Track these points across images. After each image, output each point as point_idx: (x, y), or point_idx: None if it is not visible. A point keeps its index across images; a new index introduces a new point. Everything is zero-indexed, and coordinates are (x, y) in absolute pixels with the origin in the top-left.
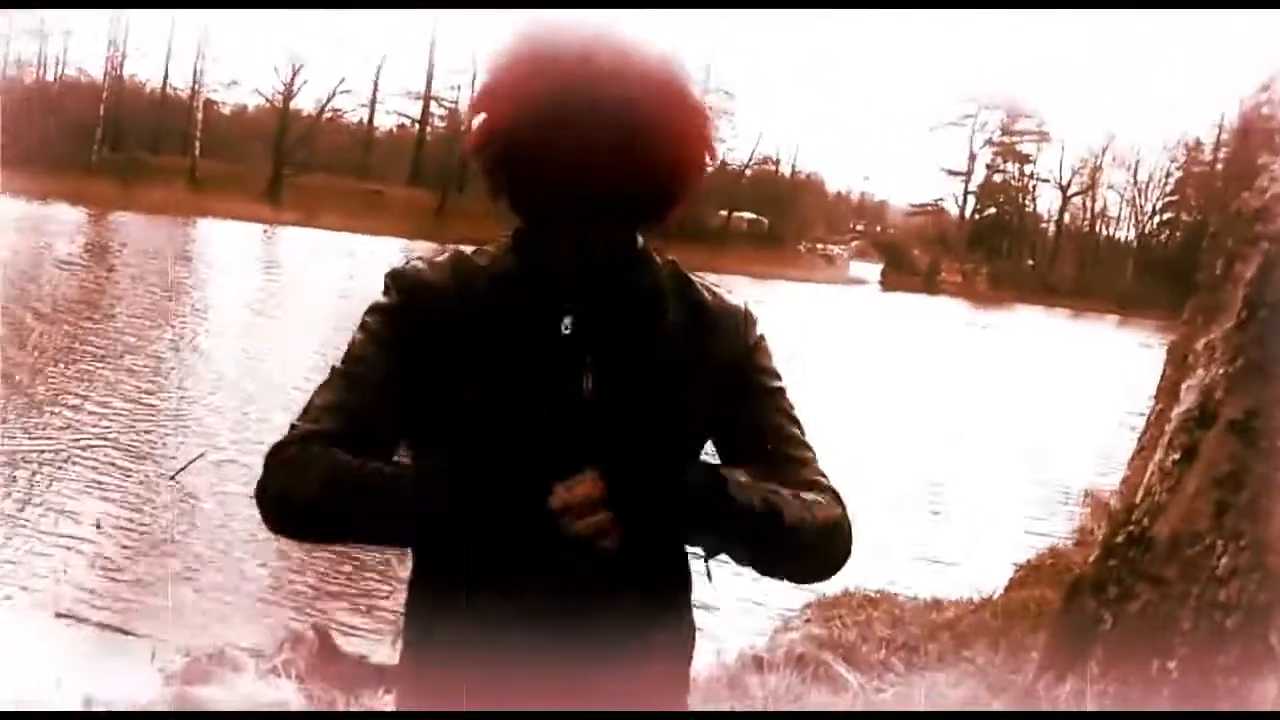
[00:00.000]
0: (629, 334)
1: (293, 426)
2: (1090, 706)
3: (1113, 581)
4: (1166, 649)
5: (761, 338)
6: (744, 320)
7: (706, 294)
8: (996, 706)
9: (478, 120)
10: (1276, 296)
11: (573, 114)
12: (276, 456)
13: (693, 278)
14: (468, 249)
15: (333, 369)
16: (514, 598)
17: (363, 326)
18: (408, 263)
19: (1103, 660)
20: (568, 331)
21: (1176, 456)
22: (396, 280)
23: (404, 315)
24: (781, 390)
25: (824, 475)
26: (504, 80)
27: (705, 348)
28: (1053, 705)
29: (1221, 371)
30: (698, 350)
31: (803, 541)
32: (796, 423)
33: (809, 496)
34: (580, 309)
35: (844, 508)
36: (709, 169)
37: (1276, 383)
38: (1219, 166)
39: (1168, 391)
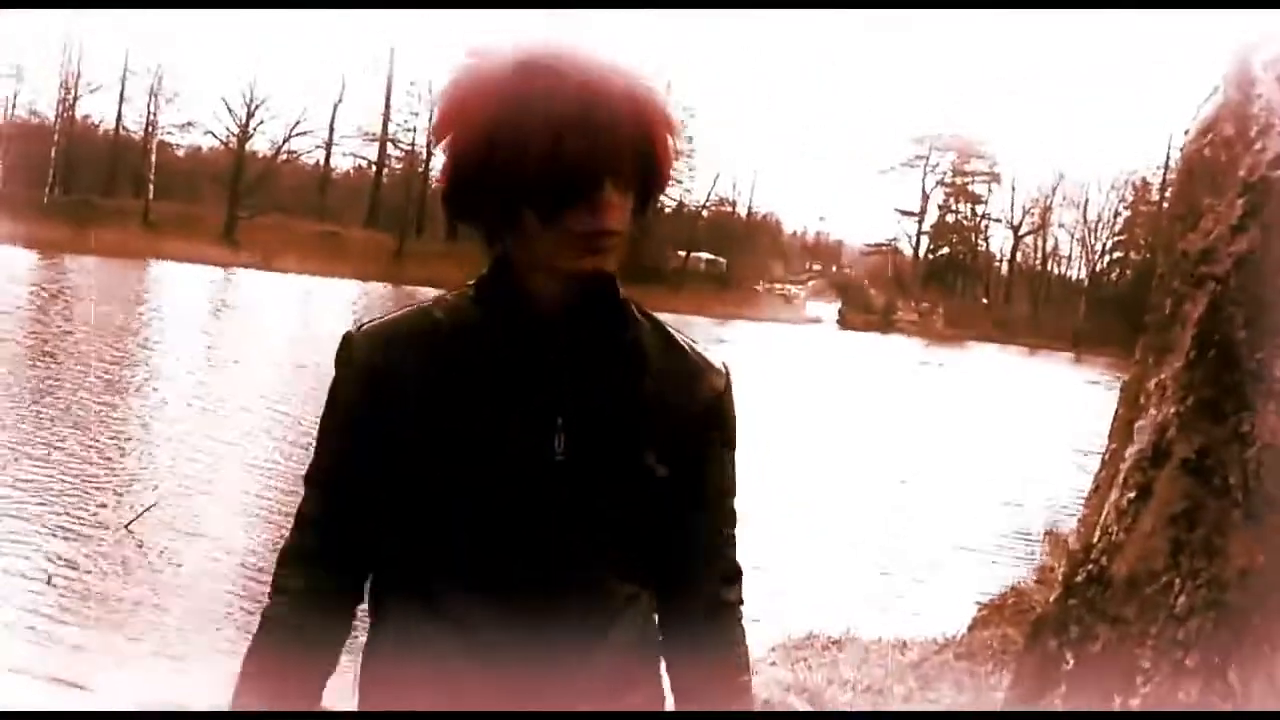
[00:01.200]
0: (603, 391)
1: (293, 531)
2: None
3: (1073, 621)
4: (1128, 688)
5: (730, 397)
6: (720, 377)
7: (683, 347)
8: None
9: (444, 143)
10: (1224, 335)
11: (561, 91)
12: (276, 578)
13: (668, 328)
14: (424, 304)
15: (308, 469)
16: (481, 665)
17: (326, 404)
18: (360, 326)
19: (1066, 699)
20: (538, 389)
21: (1132, 495)
22: (348, 345)
23: (359, 384)
24: (733, 454)
25: (732, 549)
26: (477, 93)
27: (679, 403)
28: None
29: (1173, 410)
30: (670, 406)
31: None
32: (732, 491)
33: (738, 642)
34: (552, 364)
35: (736, 601)
36: (675, 159)
37: (1227, 421)
38: (1165, 205)
39: (1121, 431)
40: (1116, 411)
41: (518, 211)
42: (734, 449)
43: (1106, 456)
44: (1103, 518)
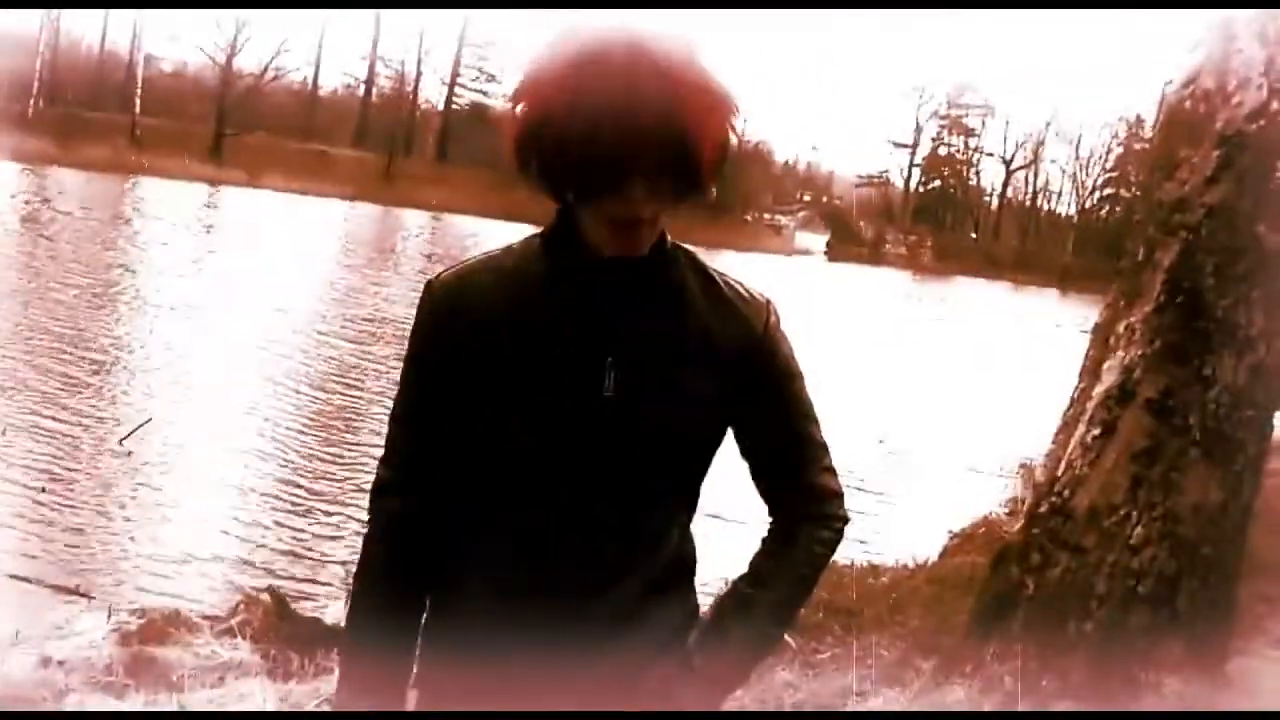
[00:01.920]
0: (651, 333)
1: (380, 464)
2: (1013, 664)
3: (1035, 549)
4: (1083, 612)
5: (779, 329)
6: (764, 313)
7: (726, 288)
8: (926, 666)
9: (519, 109)
10: (1193, 283)
11: (608, 86)
12: (370, 508)
13: (713, 271)
14: (499, 250)
15: (395, 401)
16: (532, 580)
17: (408, 346)
18: (440, 273)
19: (1024, 622)
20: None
21: (1097, 432)
22: (428, 291)
23: (434, 327)
24: (797, 383)
25: (829, 471)
26: (543, 72)
27: (724, 342)
28: (978, 665)
29: (1140, 353)
30: (717, 345)
31: (799, 609)
32: (808, 416)
33: (790, 555)
34: (605, 308)
35: (833, 519)
36: (732, 143)
37: (1191, 364)
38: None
39: (1091, 370)
40: (1087, 351)
41: (560, 189)
42: (796, 378)
43: (1075, 394)
44: (1068, 452)
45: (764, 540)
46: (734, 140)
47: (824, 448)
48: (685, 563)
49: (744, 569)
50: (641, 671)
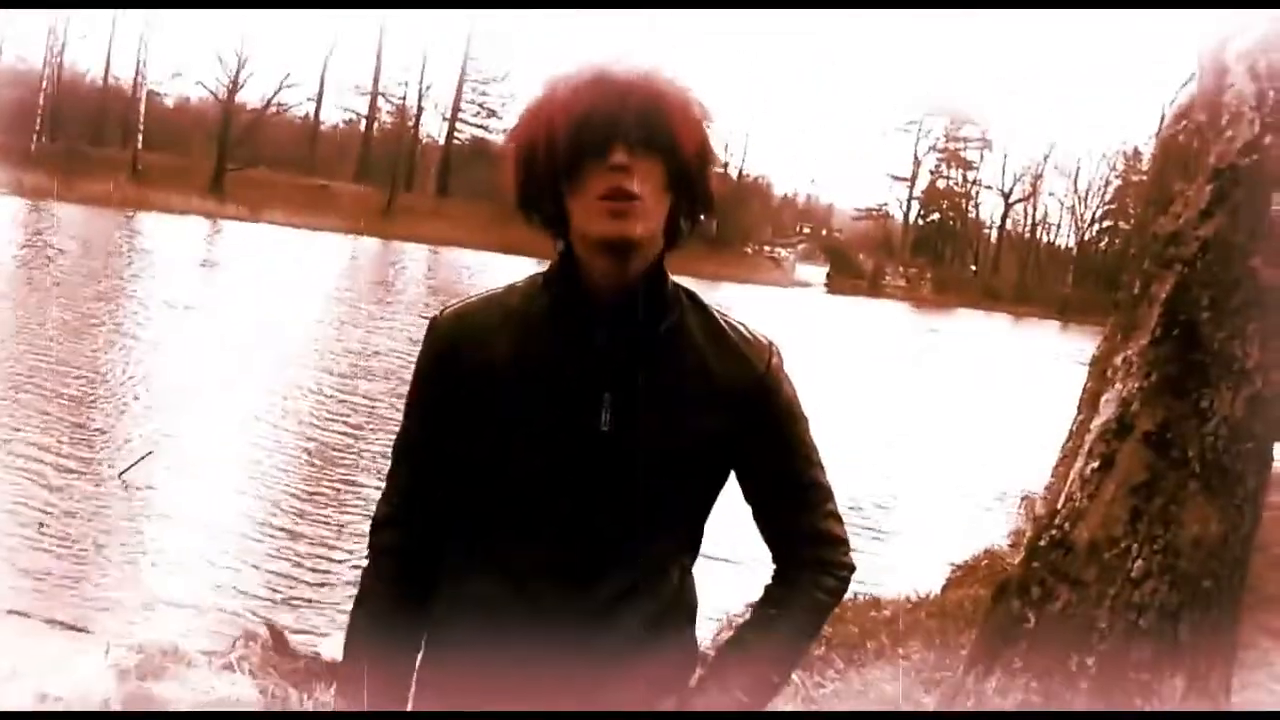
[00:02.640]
0: (650, 370)
1: (381, 498)
2: (1016, 698)
3: (1036, 583)
4: (1085, 646)
5: (781, 371)
6: (765, 353)
7: (728, 328)
8: (928, 701)
9: (515, 127)
10: (1189, 316)
11: (593, 78)
12: (370, 542)
13: (715, 311)
14: (503, 288)
15: (397, 437)
16: (528, 612)
17: (411, 381)
18: (444, 309)
19: (1026, 655)
20: (589, 366)
21: (1095, 465)
22: (432, 328)
23: (436, 363)
24: (799, 426)
25: (833, 516)
26: (536, 100)
27: (724, 381)
28: (980, 699)
29: (1137, 385)
30: (716, 384)
31: (801, 656)
32: (811, 460)
33: (793, 601)
34: (603, 344)
35: (836, 565)
36: (712, 149)
37: (1188, 397)
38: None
39: (1089, 403)
40: (1085, 384)
41: (556, 186)
42: (798, 420)
43: (1074, 427)
44: (1068, 485)
45: (767, 587)
46: (713, 146)
47: (827, 492)
48: (685, 604)
49: (747, 614)
50: (638, 710)
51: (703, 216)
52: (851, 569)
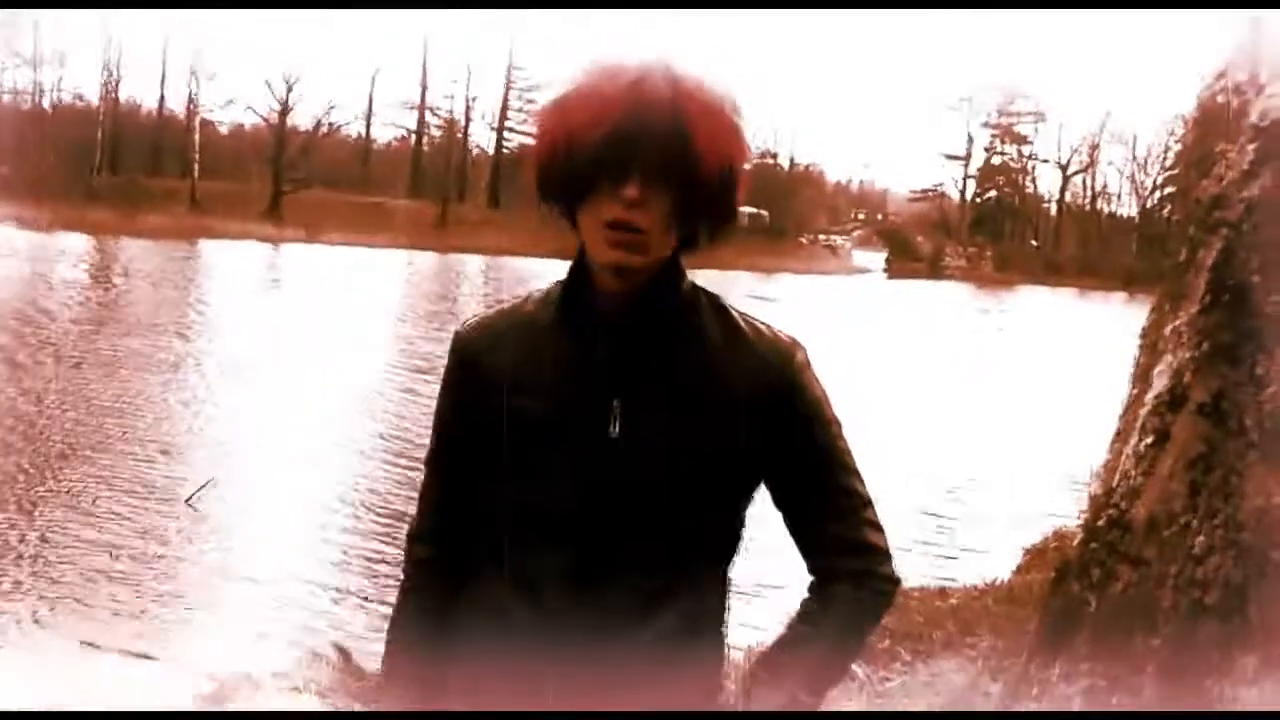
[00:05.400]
0: (662, 376)
1: (415, 511)
2: (1081, 684)
3: (1095, 564)
4: (1149, 627)
5: (807, 373)
6: (789, 355)
7: (750, 330)
8: (995, 690)
9: (540, 128)
10: (1238, 280)
11: (618, 87)
12: (404, 554)
13: (736, 313)
14: (524, 297)
15: (427, 450)
16: (542, 620)
17: (439, 393)
18: (466, 322)
19: (1089, 640)
20: (598, 371)
21: (1150, 440)
22: (456, 340)
23: (460, 374)
24: (829, 430)
25: (869, 525)
26: (553, 103)
27: (743, 385)
28: (1045, 687)
29: (1189, 355)
30: (734, 388)
31: (838, 675)
32: (844, 465)
33: (827, 616)
34: (614, 350)
35: (871, 576)
36: (743, 170)
37: (1242, 364)
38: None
39: (1141, 376)
40: (1136, 357)
41: (569, 195)
42: (828, 424)
43: (1127, 402)
44: (1122, 462)
45: (803, 600)
46: (745, 167)
47: (863, 499)
48: (710, 617)
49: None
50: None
51: (725, 226)
52: (895, 581)
